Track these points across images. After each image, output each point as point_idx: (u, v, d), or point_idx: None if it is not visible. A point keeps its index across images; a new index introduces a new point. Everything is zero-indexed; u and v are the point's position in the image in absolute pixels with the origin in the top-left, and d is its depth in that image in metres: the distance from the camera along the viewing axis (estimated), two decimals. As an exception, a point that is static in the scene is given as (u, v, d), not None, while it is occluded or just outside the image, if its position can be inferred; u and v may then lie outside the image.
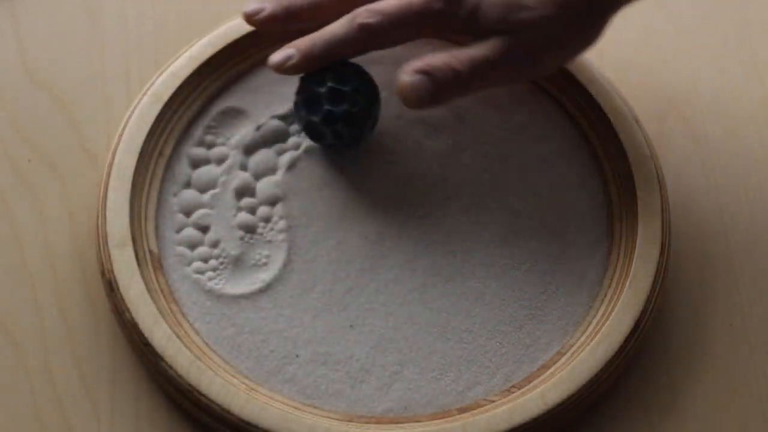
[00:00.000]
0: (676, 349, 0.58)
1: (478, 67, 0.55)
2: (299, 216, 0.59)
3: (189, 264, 0.58)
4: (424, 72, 0.55)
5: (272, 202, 0.59)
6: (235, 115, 0.62)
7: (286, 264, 0.58)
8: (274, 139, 0.61)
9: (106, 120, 0.62)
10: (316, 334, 0.56)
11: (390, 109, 0.62)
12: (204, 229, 0.59)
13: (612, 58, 0.65)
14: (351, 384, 0.55)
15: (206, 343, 0.56)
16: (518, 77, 0.58)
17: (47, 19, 0.65)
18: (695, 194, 0.62)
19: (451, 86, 0.55)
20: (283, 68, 0.57)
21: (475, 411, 0.54)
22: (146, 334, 0.54)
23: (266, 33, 0.60)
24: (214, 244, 0.58)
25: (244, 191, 0.60)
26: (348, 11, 0.57)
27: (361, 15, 0.56)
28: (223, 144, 0.61)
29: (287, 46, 0.57)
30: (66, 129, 0.62)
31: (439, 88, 0.55)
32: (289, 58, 0.57)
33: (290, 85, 0.62)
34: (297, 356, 0.56)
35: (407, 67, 0.55)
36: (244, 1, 0.64)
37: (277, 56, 0.57)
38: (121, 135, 0.59)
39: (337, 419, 0.54)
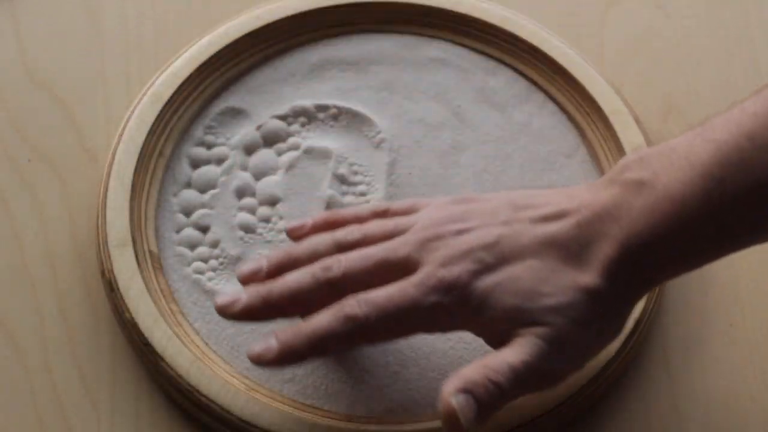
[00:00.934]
0: (676, 349, 0.57)
1: (520, 375, 0.47)
2: (299, 216, 0.59)
3: (189, 264, 0.58)
4: (466, 391, 0.46)
5: (272, 202, 0.59)
6: (235, 115, 0.62)
7: (286, 264, 0.58)
8: (274, 139, 0.61)
9: (106, 120, 0.62)
10: (316, 334, 0.56)
11: (389, 108, 0.62)
12: (204, 229, 0.59)
13: (612, 58, 0.65)
14: (351, 384, 0.55)
15: (206, 343, 0.56)
16: (557, 378, 0.49)
17: (47, 19, 0.65)
18: (695, 194, 0.62)
19: (496, 403, 0.47)
20: (260, 362, 0.50)
21: (475, 411, 0.54)
22: (146, 334, 0.54)
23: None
24: (214, 244, 0.58)
25: (244, 191, 0.60)
26: (333, 301, 0.50)
27: (349, 305, 0.49)
28: (223, 144, 0.61)
29: (269, 334, 0.50)
30: (66, 129, 0.62)
31: (482, 407, 0.47)
32: (268, 350, 0.50)
33: (290, 85, 0.62)
34: (297, 356, 0.56)
35: (447, 387, 0.47)
36: (244, 1, 0.64)
37: (256, 347, 0.50)
38: (121, 135, 0.59)
39: (337, 419, 0.54)
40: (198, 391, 0.53)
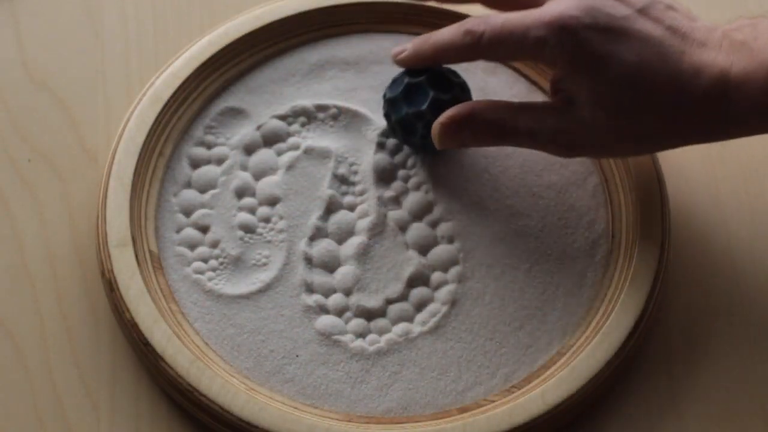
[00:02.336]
0: (676, 349, 0.57)
1: (526, 134, 0.55)
2: (299, 216, 0.59)
3: (189, 264, 0.58)
4: (464, 121, 0.56)
5: (272, 202, 0.59)
6: (235, 115, 0.62)
7: (286, 264, 0.58)
8: (274, 139, 0.61)
9: (106, 120, 0.62)
10: (316, 334, 0.56)
11: (390, 109, 0.62)
12: (204, 229, 0.59)
13: (612, 58, 0.65)
14: (351, 384, 0.55)
15: (206, 343, 0.56)
16: (551, 151, 0.57)
17: (47, 19, 0.65)
18: (695, 194, 0.62)
19: (484, 141, 0.57)
20: (395, 59, 0.58)
21: (475, 411, 0.54)
22: (146, 334, 0.54)
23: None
24: (214, 244, 0.58)
25: (244, 191, 0.60)
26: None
27: (469, 22, 0.55)
28: (223, 144, 0.61)
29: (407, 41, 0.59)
30: (66, 129, 0.62)
31: (471, 139, 0.57)
32: (402, 50, 0.58)
33: (290, 85, 0.62)
34: (297, 356, 0.56)
35: (448, 113, 0.56)
36: (244, 1, 0.64)
37: (396, 48, 0.58)
38: (121, 135, 0.59)
39: (337, 419, 0.54)
40: (198, 391, 0.53)
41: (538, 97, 0.63)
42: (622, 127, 0.53)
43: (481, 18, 0.55)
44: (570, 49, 0.52)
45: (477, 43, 0.54)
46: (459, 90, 0.58)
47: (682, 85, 0.52)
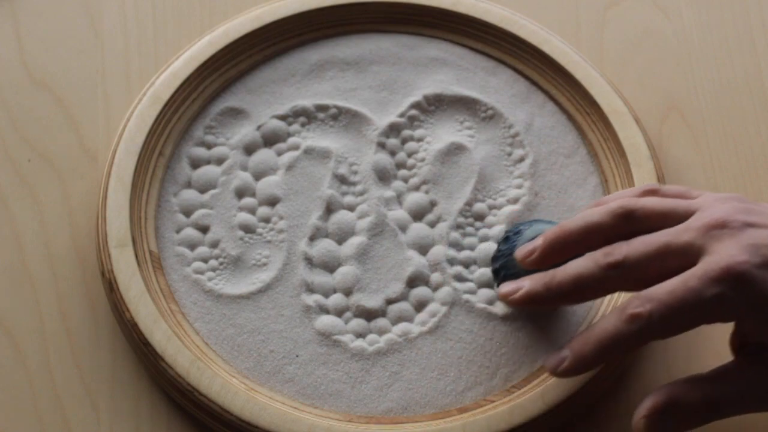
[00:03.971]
0: (676, 349, 0.57)
1: (735, 403, 0.48)
2: (299, 216, 0.59)
3: (189, 264, 0.58)
4: (666, 409, 0.48)
5: (272, 202, 0.59)
6: (235, 115, 0.62)
7: (286, 264, 0.58)
8: (274, 139, 0.61)
9: (106, 120, 0.62)
10: (316, 334, 0.56)
11: (389, 108, 0.62)
12: (204, 229, 0.59)
13: (612, 58, 0.65)
14: (351, 384, 0.55)
15: (206, 343, 0.56)
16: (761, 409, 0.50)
17: (47, 19, 0.65)
18: (695, 194, 0.62)
19: (694, 423, 0.49)
20: (556, 373, 0.51)
21: (475, 411, 0.54)
22: (146, 334, 0.54)
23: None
24: (214, 244, 0.58)
25: (244, 191, 0.60)
26: (615, 287, 0.52)
27: (631, 305, 0.48)
28: (223, 144, 0.61)
29: (564, 346, 0.51)
30: (66, 129, 0.62)
31: (678, 427, 0.49)
32: (562, 360, 0.51)
33: (290, 85, 0.62)
34: (297, 356, 0.56)
35: (647, 404, 0.49)
36: (244, 1, 0.64)
37: (551, 360, 0.51)
38: (121, 135, 0.59)
39: (337, 419, 0.54)
40: (198, 391, 0.53)
41: (539, 97, 0.63)
42: None
43: (638, 297, 0.48)
44: (753, 296, 0.47)
45: (648, 326, 0.48)
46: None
47: None
